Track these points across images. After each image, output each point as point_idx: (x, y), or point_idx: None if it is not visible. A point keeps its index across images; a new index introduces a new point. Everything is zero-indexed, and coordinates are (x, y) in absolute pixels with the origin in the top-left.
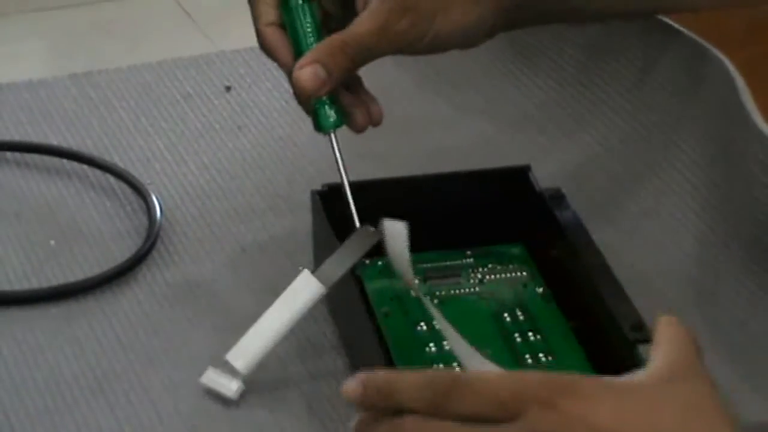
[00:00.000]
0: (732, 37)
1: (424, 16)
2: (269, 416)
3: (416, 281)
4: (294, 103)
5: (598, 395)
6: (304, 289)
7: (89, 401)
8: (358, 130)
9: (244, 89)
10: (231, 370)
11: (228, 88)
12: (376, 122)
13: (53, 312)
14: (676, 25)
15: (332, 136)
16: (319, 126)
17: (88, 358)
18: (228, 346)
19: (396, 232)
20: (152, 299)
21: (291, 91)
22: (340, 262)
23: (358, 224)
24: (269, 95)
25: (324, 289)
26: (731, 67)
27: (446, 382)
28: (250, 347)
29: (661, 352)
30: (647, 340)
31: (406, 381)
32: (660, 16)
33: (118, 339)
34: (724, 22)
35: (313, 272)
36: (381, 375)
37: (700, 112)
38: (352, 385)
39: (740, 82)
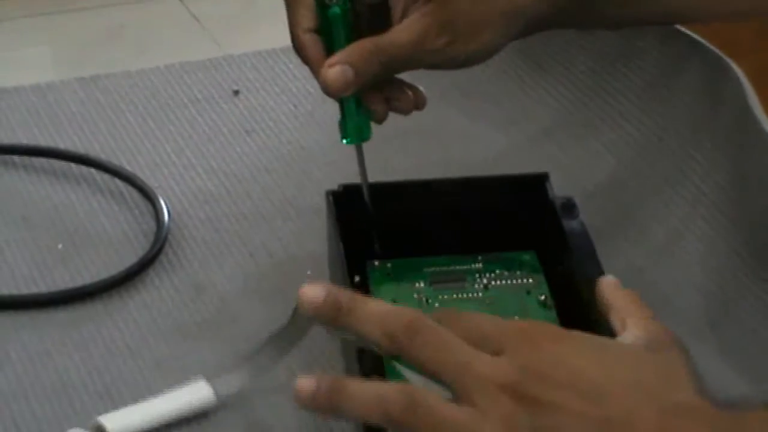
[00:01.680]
0: (741, 42)
1: (462, 37)
2: (274, 414)
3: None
4: (303, 107)
5: (581, 344)
6: (198, 397)
7: (97, 406)
8: (405, 112)
9: (252, 93)
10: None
11: (236, 92)
12: (421, 104)
13: (61, 316)
14: (691, 34)
15: (358, 148)
16: (345, 137)
17: (96, 363)
18: (236, 352)
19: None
20: (160, 303)
21: (299, 94)
22: (243, 377)
23: (378, 249)
24: (277, 99)
25: (215, 401)
26: (743, 77)
27: (440, 312)
28: (128, 420)
29: (631, 320)
30: None
31: (394, 312)
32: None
33: (126, 343)
34: (733, 28)
35: (211, 382)
36: (378, 303)
37: (713, 120)
38: (315, 290)
39: (751, 91)
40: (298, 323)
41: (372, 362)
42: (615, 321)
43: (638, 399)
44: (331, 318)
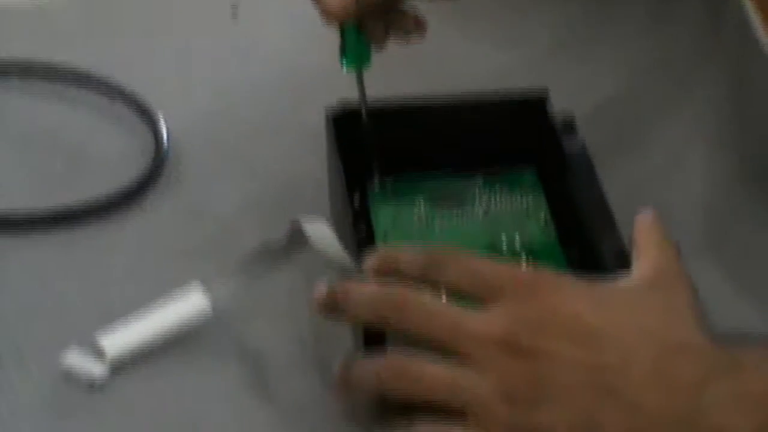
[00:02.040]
0: None
1: None
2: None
3: (354, 264)
4: (301, 26)
5: (580, 291)
6: (193, 306)
7: (96, 327)
8: (406, 39)
9: (251, 11)
10: (97, 352)
11: (234, 10)
12: (422, 31)
13: (60, 236)
14: None
15: (358, 76)
16: (344, 64)
17: (94, 283)
18: (236, 272)
19: (318, 232)
20: (159, 223)
21: (299, 11)
22: (237, 284)
23: (377, 180)
24: (277, 17)
25: (210, 312)
26: (748, 2)
27: (437, 252)
28: (125, 339)
29: (644, 258)
30: (628, 268)
31: (406, 252)
32: None
33: (125, 263)
34: None
35: (207, 290)
36: (385, 249)
37: (715, 41)
38: (373, 259)
39: (753, 12)
40: (293, 238)
41: None
42: (633, 258)
43: (635, 342)
44: (332, 312)
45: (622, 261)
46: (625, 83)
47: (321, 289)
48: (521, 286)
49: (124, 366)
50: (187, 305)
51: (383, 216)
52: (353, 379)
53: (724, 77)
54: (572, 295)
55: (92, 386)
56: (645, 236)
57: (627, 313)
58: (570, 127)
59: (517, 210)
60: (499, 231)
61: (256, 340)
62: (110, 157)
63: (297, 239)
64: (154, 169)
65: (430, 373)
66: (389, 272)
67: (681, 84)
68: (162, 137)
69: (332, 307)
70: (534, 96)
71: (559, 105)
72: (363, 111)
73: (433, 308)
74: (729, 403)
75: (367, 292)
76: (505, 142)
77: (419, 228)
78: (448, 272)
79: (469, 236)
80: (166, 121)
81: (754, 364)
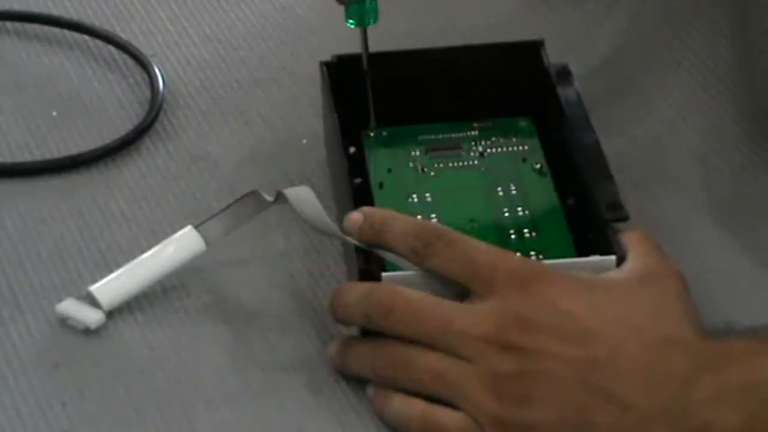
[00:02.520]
0: None
1: None
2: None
3: (340, 233)
4: None
5: (571, 285)
6: (185, 244)
7: (93, 274)
8: None
9: None
10: (93, 302)
11: None
12: None
13: (56, 184)
14: None
15: (362, 32)
16: (350, 19)
17: (91, 231)
18: None
19: (301, 197)
20: (155, 171)
21: None
22: (227, 222)
23: (374, 124)
24: None
25: (204, 247)
26: None
27: (432, 233)
28: (119, 286)
29: (634, 253)
30: (623, 219)
31: (398, 224)
32: None
33: (122, 211)
34: None
35: (197, 227)
36: (379, 212)
37: None
38: (356, 215)
39: None
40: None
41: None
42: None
43: (624, 335)
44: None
45: (616, 210)
46: (623, 29)
47: None
48: (515, 279)
49: (120, 312)
50: (181, 247)
51: (379, 165)
52: (349, 363)
53: (724, 23)
54: (563, 291)
55: (88, 330)
56: (629, 240)
57: (616, 310)
58: (565, 74)
59: (513, 158)
60: (496, 179)
61: (250, 285)
62: (106, 105)
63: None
64: (150, 116)
65: (422, 365)
66: (374, 241)
67: (680, 29)
68: (157, 84)
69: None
70: (529, 44)
71: (557, 49)
72: (364, 63)
73: (422, 307)
74: (717, 397)
75: (355, 293)
76: (501, 90)
77: (415, 177)
78: (439, 256)
79: (465, 185)
80: (161, 69)
81: (741, 356)
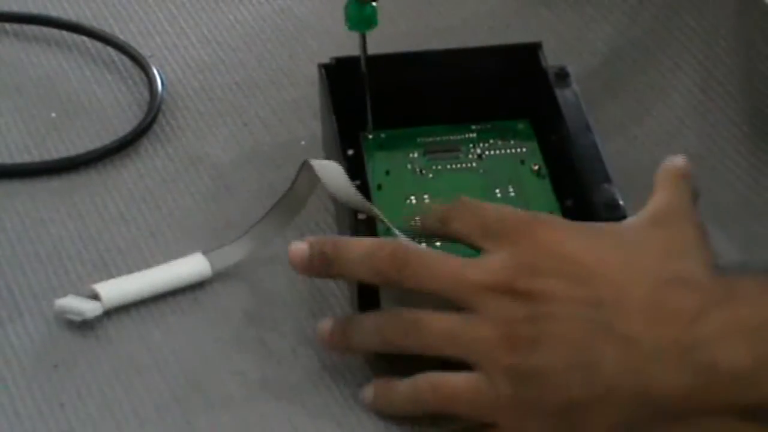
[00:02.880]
0: None
1: None
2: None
3: (372, 207)
4: None
5: (576, 230)
6: (193, 268)
7: (92, 274)
8: None
9: None
10: (93, 297)
11: None
12: None
13: (55, 185)
14: None
15: (361, 36)
16: (349, 23)
17: (90, 232)
18: (229, 221)
19: (328, 170)
20: (154, 173)
21: None
22: (234, 252)
23: (372, 126)
24: None
25: (210, 273)
26: None
27: (448, 205)
28: (121, 287)
29: (657, 196)
30: (621, 218)
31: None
32: None
33: (120, 213)
34: None
35: (206, 254)
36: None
37: None
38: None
39: None
40: (296, 193)
41: (366, 231)
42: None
43: (629, 277)
44: (323, 272)
45: (614, 211)
46: (616, 26)
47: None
48: (523, 227)
49: (118, 313)
50: (187, 264)
51: (377, 167)
52: (351, 337)
53: (722, 23)
54: (568, 234)
55: (84, 322)
56: (665, 175)
57: (622, 251)
58: (563, 76)
59: (511, 160)
60: (494, 181)
61: (249, 287)
62: (105, 106)
63: (306, 181)
64: (149, 117)
65: (434, 328)
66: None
67: (678, 30)
68: (156, 86)
69: (326, 269)
70: (527, 46)
71: (554, 51)
72: (363, 66)
73: (434, 262)
74: (726, 333)
75: (364, 249)
76: (500, 92)
77: (413, 179)
78: (459, 221)
79: (463, 187)
80: (159, 70)
81: (753, 294)
